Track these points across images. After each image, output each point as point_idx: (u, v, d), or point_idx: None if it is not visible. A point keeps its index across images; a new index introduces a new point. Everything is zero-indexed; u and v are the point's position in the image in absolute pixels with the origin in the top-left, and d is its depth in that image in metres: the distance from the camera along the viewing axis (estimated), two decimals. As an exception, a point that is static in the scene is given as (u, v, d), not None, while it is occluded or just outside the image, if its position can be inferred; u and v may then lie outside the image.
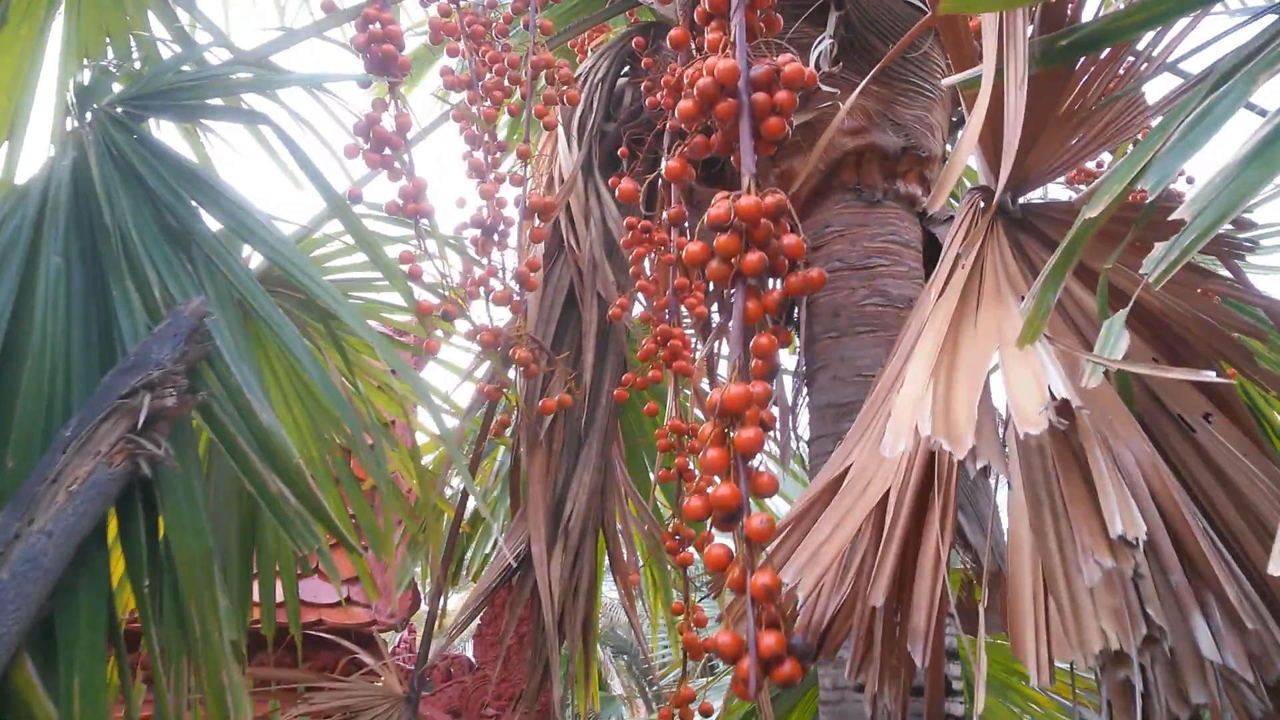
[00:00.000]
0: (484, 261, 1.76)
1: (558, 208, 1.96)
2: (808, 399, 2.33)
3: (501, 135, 2.18)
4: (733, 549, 0.92)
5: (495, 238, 1.75)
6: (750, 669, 0.83)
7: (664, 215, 1.91)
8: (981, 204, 1.15)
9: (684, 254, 1.07)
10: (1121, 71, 1.20)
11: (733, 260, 1.04)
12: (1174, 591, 0.76)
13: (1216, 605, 0.75)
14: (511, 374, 1.91)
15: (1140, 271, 0.75)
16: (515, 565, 2.27)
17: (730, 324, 1.04)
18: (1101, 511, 0.73)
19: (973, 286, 1.01)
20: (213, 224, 1.42)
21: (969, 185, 1.24)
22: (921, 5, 2.31)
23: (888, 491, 0.92)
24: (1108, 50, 1.16)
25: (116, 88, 1.56)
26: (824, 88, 2.22)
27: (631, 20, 2.87)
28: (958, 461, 0.83)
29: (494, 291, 1.78)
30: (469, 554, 3.22)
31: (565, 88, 1.87)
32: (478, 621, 3.71)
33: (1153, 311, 1.12)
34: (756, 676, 0.83)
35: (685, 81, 1.24)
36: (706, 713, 1.66)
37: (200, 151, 1.82)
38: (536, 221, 1.82)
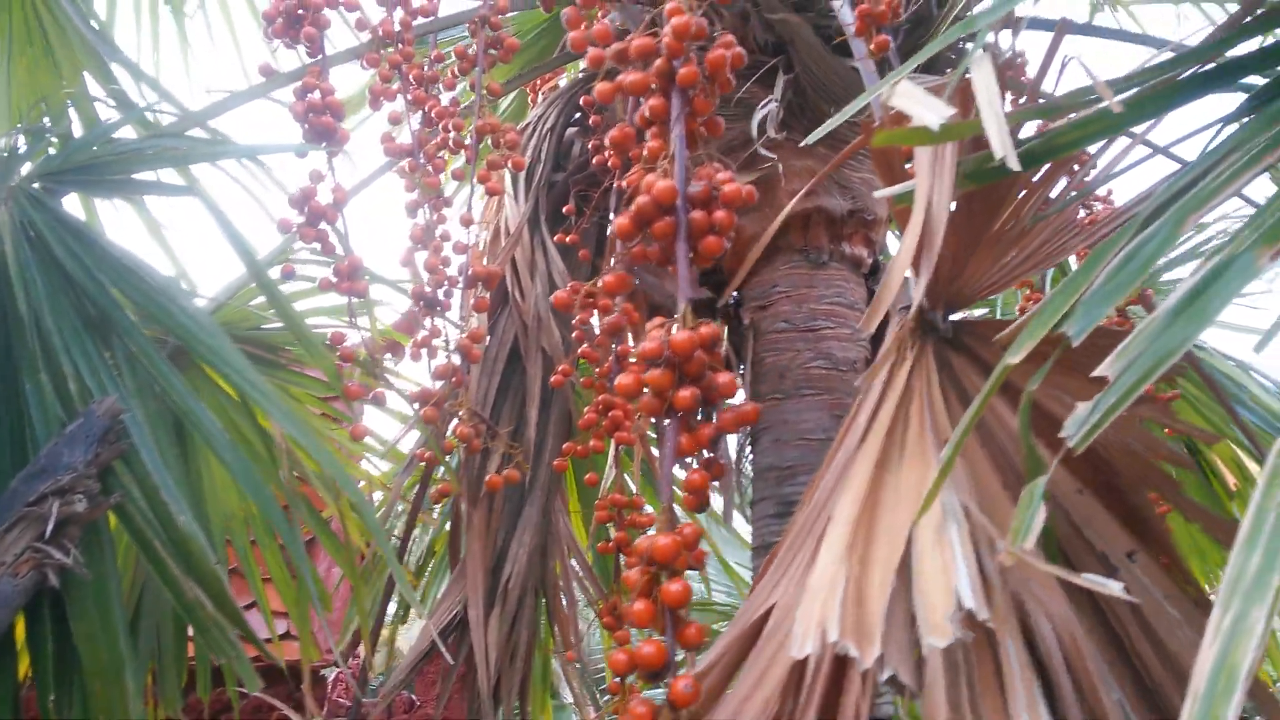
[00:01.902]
0: (425, 326, 1.73)
1: (500, 275, 1.92)
2: (751, 460, 2.32)
3: (450, 189, 2.15)
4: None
5: (438, 308, 1.72)
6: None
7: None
8: (911, 323, 1.14)
9: (615, 385, 1.05)
10: (1060, 192, 1.21)
11: (664, 395, 1.03)
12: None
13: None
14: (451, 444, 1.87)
15: (1060, 435, 0.74)
16: (453, 626, 2.23)
17: (660, 462, 1.02)
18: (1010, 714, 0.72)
19: (896, 431, 1.00)
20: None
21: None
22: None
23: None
24: (1044, 170, 1.17)
25: (51, 151, 1.51)
26: (764, 153, 2.22)
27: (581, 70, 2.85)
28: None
29: (435, 356, 1.75)
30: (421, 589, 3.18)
31: (510, 152, 1.84)
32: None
33: (1106, 458, 1.12)
34: None
35: (626, 187, 1.22)
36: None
37: (143, 213, 1.77)
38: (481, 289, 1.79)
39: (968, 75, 0.88)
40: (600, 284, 1.22)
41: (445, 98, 1.92)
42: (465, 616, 2.17)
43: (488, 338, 2.41)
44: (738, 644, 0.97)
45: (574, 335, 1.94)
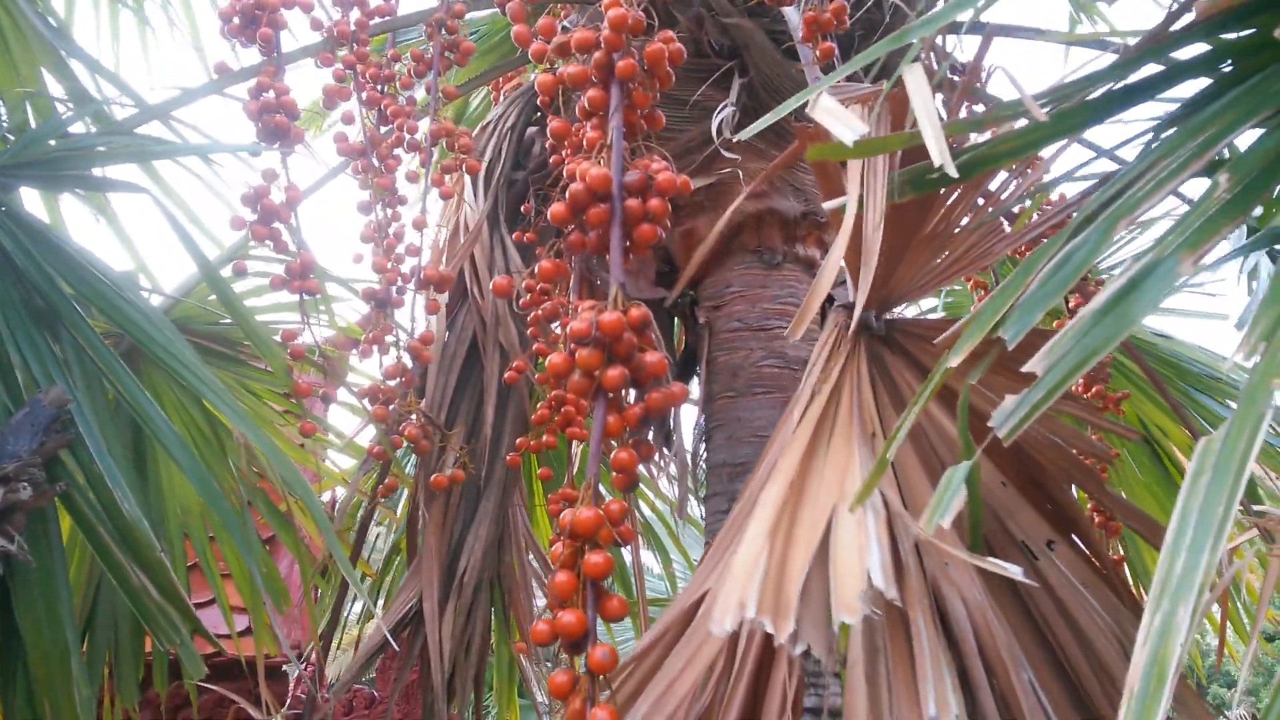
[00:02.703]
0: (379, 325, 1.75)
1: (453, 280, 1.95)
2: (706, 456, 2.36)
3: (404, 188, 2.17)
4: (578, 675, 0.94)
5: (389, 307, 1.75)
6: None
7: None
8: (845, 321, 1.18)
9: (547, 364, 1.08)
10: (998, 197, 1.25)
11: (594, 374, 1.06)
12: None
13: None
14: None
15: (989, 424, 0.78)
16: (409, 618, 2.25)
17: (589, 439, 1.05)
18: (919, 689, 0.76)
19: (826, 422, 1.04)
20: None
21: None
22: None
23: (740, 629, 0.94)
24: (971, 178, 1.21)
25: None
26: (725, 154, 2.27)
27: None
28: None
29: (386, 353, 1.77)
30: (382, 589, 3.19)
31: (465, 156, 1.87)
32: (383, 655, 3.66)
33: (1024, 451, 1.16)
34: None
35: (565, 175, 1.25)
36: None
37: (101, 207, 1.78)
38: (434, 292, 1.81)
39: (901, 84, 0.92)
40: (536, 270, 1.25)
41: (402, 98, 1.95)
42: (421, 609, 2.19)
43: (447, 334, 2.43)
44: (675, 626, 1.01)
45: (529, 332, 1.97)
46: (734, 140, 2.24)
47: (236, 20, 1.69)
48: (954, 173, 0.78)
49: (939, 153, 0.79)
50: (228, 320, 2.31)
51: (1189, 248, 0.77)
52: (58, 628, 1.22)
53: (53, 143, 1.54)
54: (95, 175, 1.50)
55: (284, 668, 4.14)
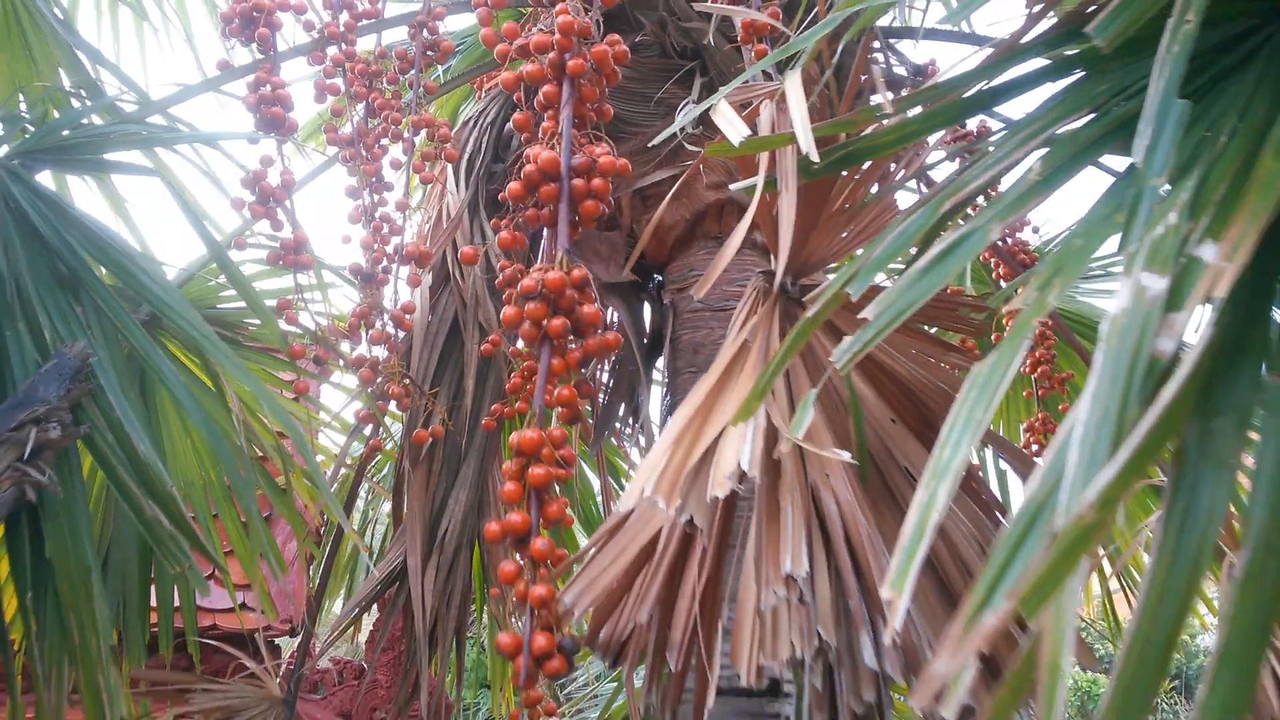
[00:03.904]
0: (366, 299, 1.93)
1: (433, 256, 2.14)
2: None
3: (391, 176, 2.35)
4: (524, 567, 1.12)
5: (374, 282, 1.93)
6: (523, 662, 1.03)
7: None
8: (765, 285, 1.38)
9: (501, 316, 1.27)
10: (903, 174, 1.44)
11: (541, 324, 1.25)
12: (850, 613, 0.98)
13: (883, 625, 0.97)
14: (393, 405, 2.08)
15: (830, 359, 0.96)
16: (395, 576, 2.44)
17: (536, 378, 1.24)
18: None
19: (738, 363, 1.23)
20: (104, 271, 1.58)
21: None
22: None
23: (662, 529, 1.13)
24: (870, 162, 1.40)
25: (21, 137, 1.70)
26: (688, 146, 2.46)
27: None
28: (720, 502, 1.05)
29: (373, 329, 1.95)
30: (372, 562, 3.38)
31: (444, 145, 2.06)
32: (371, 629, 3.84)
33: (903, 380, 1.35)
34: (529, 668, 1.04)
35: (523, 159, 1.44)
36: (550, 712, 1.85)
37: (109, 192, 1.96)
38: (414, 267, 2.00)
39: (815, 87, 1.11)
40: (497, 240, 1.44)
41: (388, 91, 2.13)
42: (406, 566, 2.38)
43: (430, 315, 2.62)
44: (609, 531, 1.19)
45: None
46: (697, 133, 2.45)
47: (236, 22, 1.87)
48: (816, 159, 0.98)
49: (807, 147, 0.98)
50: (227, 304, 2.50)
51: (999, 219, 0.96)
52: (81, 551, 1.41)
53: (66, 132, 1.72)
54: (111, 159, 1.68)
55: (277, 640, 4.33)
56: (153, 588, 2.37)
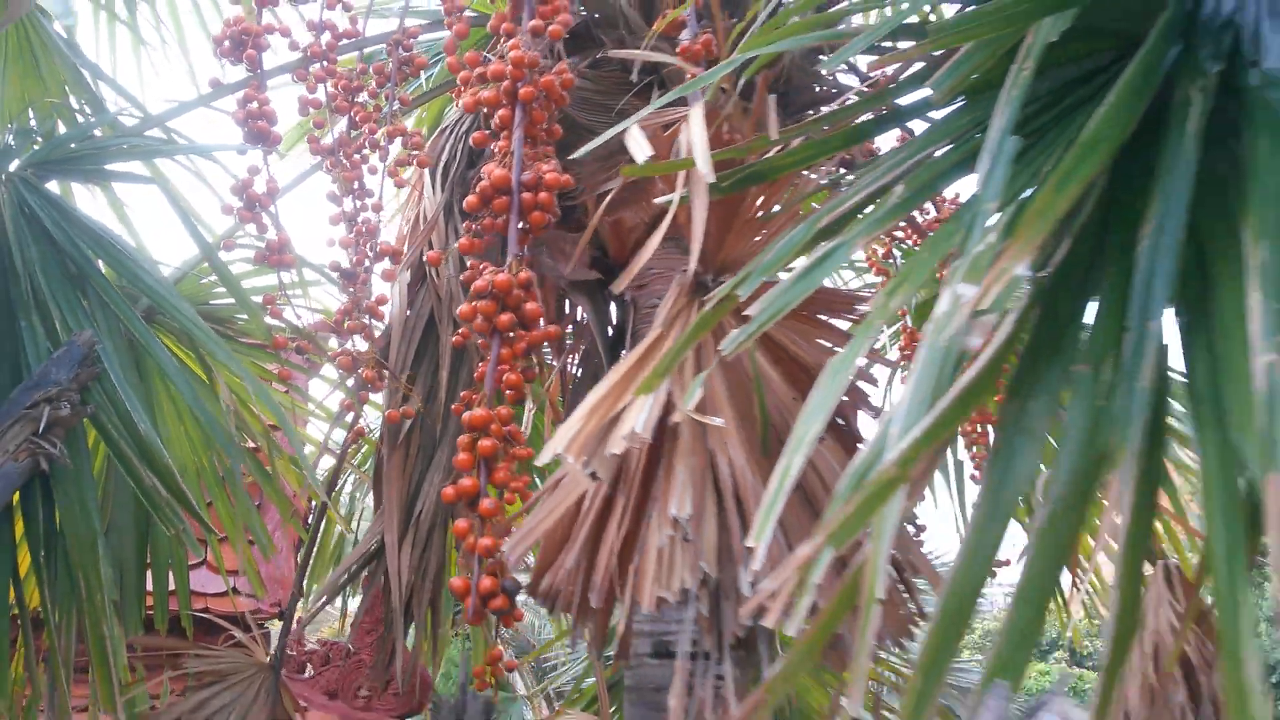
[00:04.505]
0: (347, 295, 2.13)
1: (404, 255, 2.33)
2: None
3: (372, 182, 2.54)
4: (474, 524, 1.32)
5: (354, 279, 2.13)
6: (471, 601, 1.23)
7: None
8: (687, 282, 1.58)
9: (458, 312, 1.47)
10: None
11: (491, 319, 1.45)
12: (733, 552, 1.18)
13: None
14: (376, 397, 2.27)
15: (718, 348, 1.16)
16: (374, 554, 2.63)
17: (488, 366, 1.44)
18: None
19: (655, 349, 1.43)
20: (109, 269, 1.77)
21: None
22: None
23: (587, 491, 1.33)
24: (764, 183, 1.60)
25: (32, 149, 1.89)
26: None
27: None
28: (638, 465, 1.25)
29: (351, 323, 2.15)
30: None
31: (417, 153, 2.25)
32: (358, 614, 4.02)
33: (805, 364, 1.56)
34: (476, 606, 1.24)
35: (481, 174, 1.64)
36: (510, 668, 2.05)
37: (112, 198, 2.16)
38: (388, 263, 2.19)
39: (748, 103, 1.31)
40: (457, 245, 1.64)
41: (369, 104, 2.33)
42: (384, 544, 2.57)
43: (408, 310, 2.81)
44: (547, 489, 1.39)
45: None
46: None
47: (227, 44, 2.06)
48: (712, 178, 1.17)
49: (704, 169, 1.18)
50: (219, 301, 2.69)
51: (863, 235, 1.16)
52: (87, 516, 1.60)
53: (74, 145, 1.92)
54: (114, 169, 1.88)
55: (266, 624, 4.51)
56: (149, 572, 2.56)
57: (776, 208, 1.83)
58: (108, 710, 1.58)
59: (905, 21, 1.29)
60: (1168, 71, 1.22)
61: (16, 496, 1.58)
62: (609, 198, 2.85)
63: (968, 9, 1.18)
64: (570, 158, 1.95)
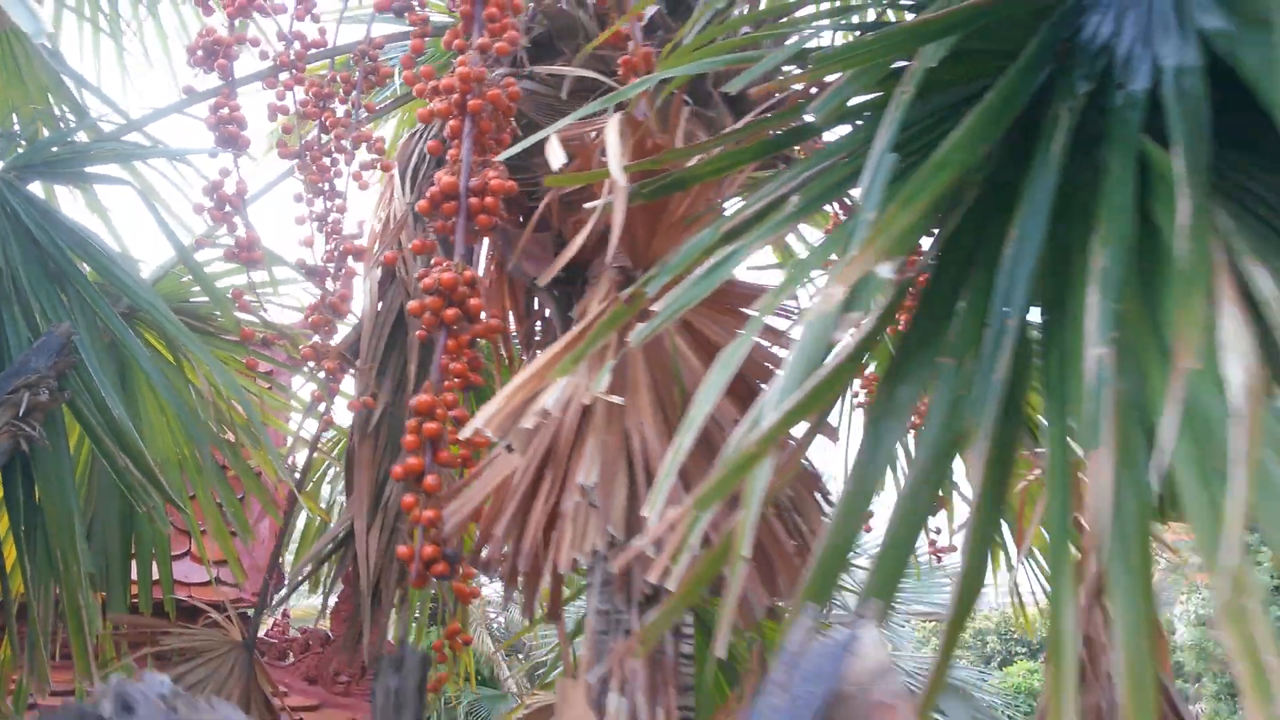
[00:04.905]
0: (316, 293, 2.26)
1: (368, 253, 2.47)
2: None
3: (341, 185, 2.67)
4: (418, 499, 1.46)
5: (321, 276, 2.26)
6: (415, 566, 1.37)
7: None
8: (616, 277, 1.71)
9: (408, 307, 1.60)
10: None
11: (439, 313, 1.59)
12: (642, 518, 1.32)
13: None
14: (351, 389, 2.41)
15: (627, 338, 1.29)
16: (344, 539, 2.76)
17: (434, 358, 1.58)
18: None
19: (580, 339, 1.56)
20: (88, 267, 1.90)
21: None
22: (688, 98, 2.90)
23: (517, 468, 1.47)
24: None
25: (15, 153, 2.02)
26: (601, 158, 2.79)
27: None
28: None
29: (317, 318, 2.28)
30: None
31: (379, 156, 2.38)
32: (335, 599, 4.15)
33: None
34: (419, 570, 1.37)
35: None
36: (467, 641, 2.19)
37: (92, 199, 2.28)
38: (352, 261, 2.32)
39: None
40: (411, 246, 1.77)
41: (340, 110, 2.46)
42: (353, 529, 2.70)
43: (379, 304, 2.95)
44: (482, 470, 1.53)
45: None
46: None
47: (200, 53, 2.19)
48: (623, 182, 1.31)
49: (618, 178, 1.31)
50: (198, 299, 2.82)
51: (759, 240, 1.30)
52: (64, 494, 1.73)
53: (55, 149, 2.04)
54: (90, 171, 2.00)
55: (247, 611, 4.64)
56: (133, 563, 2.68)
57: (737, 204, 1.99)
58: (85, 678, 1.71)
59: (805, 47, 1.43)
60: (1044, 90, 1.36)
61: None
62: (567, 198, 3.00)
63: (849, 40, 1.32)
64: (534, 160, 2.08)
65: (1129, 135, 1.22)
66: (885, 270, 1.14)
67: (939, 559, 3.30)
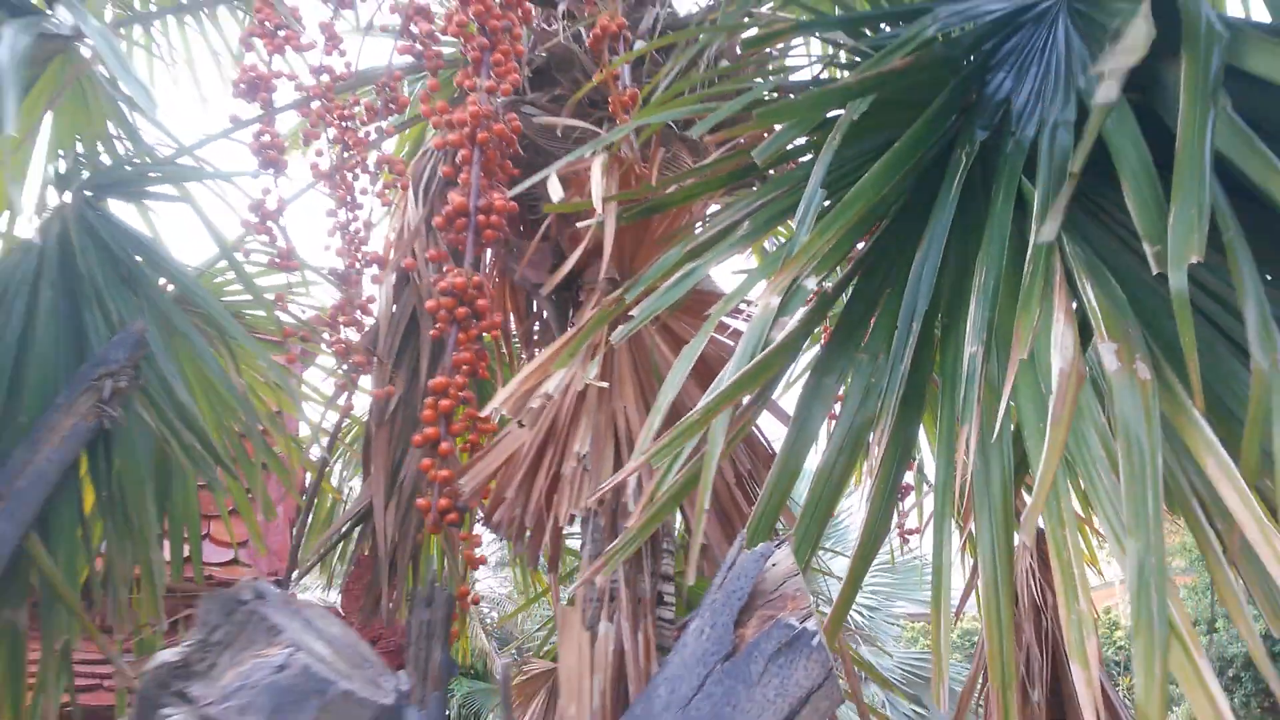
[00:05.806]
0: (341, 294, 2.58)
1: (390, 261, 2.79)
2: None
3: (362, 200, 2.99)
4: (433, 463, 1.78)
5: (348, 281, 2.58)
6: (431, 515, 1.69)
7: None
8: (606, 286, 2.04)
9: (425, 306, 1.92)
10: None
11: (452, 311, 1.91)
12: (624, 482, 1.64)
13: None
14: (367, 383, 2.73)
15: (610, 338, 1.61)
16: (362, 515, 3.08)
17: (447, 350, 1.90)
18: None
19: (573, 340, 1.89)
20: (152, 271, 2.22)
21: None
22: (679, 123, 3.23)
23: (525, 440, 1.79)
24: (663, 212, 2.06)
25: (85, 174, 2.34)
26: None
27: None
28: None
29: (344, 318, 2.60)
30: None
31: (399, 176, 2.71)
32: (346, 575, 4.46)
33: (705, 357, 2.02)
34: (434, 519, 1.69)
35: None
36: (475, 601, 2.51)
37: (146, 216, 2.60)
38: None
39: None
40: (428, 255, 2.09)
41: (364, 132, 2.78)
42: (371, 506, 3.02)
43: (394, 307, 3.27)
44: (492, 444, 1.85)
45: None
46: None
47: (244, 87, 2.52)
48: (598, 209, 1.63)
49: (599, 208, 1.63)
50: (229, 297, 3.14)
51: (717, 258, 1.61)
52: (138, 466, 2.05)
53: (122, 170, 2.36)
54: (153, 191, 2.33)
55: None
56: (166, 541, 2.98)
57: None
58: (153, 616, 2.03)
59: (757, 98, 1.75)
60: (952, 136, 1.68)
61: (85, 454, 2.02)
62: (565, 214, 3.32)
63: (789, 96, 1.64)
64: (535, 179, 2.41)
65: (1014, 175, 1.55)
66: (810, 282, 1.46)
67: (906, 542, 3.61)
